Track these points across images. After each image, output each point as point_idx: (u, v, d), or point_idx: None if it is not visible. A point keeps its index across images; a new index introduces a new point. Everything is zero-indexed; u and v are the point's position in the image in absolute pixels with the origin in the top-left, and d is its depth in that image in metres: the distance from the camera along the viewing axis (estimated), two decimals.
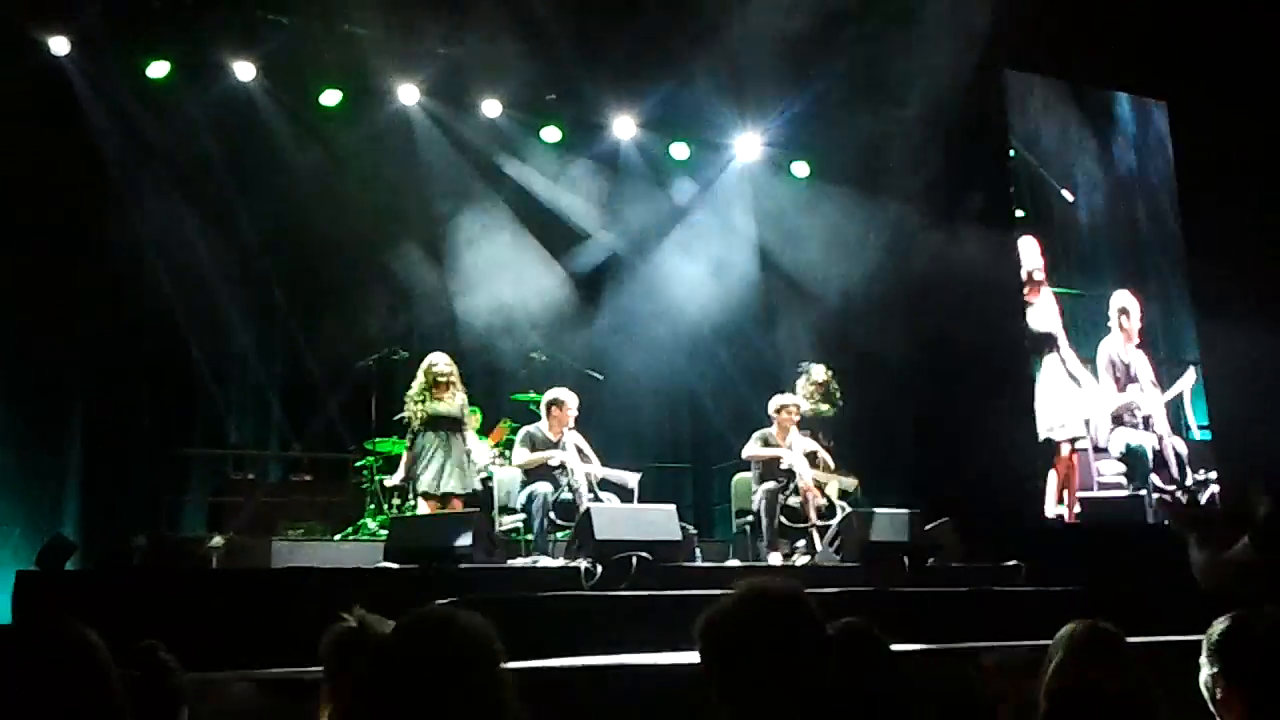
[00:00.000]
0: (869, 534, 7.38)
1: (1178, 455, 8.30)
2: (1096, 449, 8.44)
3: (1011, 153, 10.17)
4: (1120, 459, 8.25)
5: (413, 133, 10.19)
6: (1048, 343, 8.86)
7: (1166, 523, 8.15)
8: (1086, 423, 8.64)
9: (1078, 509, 7.93)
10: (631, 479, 7.99)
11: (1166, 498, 8.52)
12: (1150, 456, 8.18)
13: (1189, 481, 8.64)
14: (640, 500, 7.83)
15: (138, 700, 1.55)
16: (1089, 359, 8.73)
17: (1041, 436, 8.85)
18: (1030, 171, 10.09)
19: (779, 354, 10.72)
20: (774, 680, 1.97)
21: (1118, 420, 8.39)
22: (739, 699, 1.98)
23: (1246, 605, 2.86)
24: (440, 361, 8.15)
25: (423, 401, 7.99)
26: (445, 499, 7.84)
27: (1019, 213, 9.68)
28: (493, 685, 1.64)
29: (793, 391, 8.65)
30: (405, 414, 8.08)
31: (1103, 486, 8.26)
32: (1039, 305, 8.91)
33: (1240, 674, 2.53)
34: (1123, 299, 9.35)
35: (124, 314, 8.76)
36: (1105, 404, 8.53)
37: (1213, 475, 8.48)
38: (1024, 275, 9.12)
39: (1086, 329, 9.05)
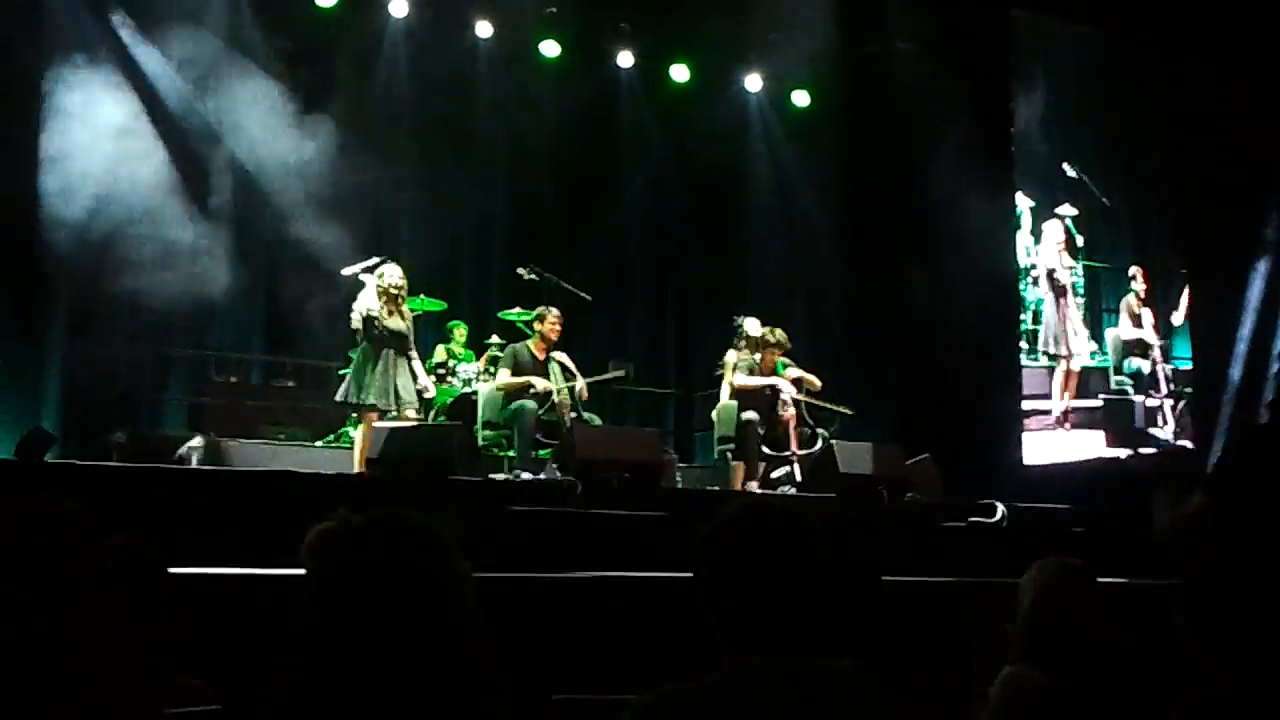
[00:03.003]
0: (849, 465, 7.40)
1: (1167, 375, 11.52)
2: (1117, 370, 11.65)
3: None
4: (1129, 376, 11.52)
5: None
6: (1063, 291, 11.65)
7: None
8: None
9: (1100, 402, 11.13)
10: (620, 370, 7.99)
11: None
12: (1147, 375, 11.56)
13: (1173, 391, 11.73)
14: (624, 423, 7.85)
15: (117, 586, 1.54)
16: (1114, 309, 11.87)
17: (1050, 355, 11.27)
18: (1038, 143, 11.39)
19: (761, 284, 10.74)
20: (765, 598, 1.96)
21: (1130, 349, 11.57)
22: (729, 615, 1.98)
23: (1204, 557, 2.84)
24: (396, 274, 7.64)
25: (378, 315, 7.49)
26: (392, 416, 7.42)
27: (1067, 211, 11.38)
28: (451, 582, 1.65)
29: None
30: (355, 322, 7.63)
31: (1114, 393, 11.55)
32: (1063, 262, 11.68)
33: (1217, 631, 2.33)
34: (1136, 275, 12.03)
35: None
36: (1123, 337, 11.77)
37: (1189, 390, 11.49)
38: (1057, 246, 11.47)
39: (1110, 290, 11.93)
